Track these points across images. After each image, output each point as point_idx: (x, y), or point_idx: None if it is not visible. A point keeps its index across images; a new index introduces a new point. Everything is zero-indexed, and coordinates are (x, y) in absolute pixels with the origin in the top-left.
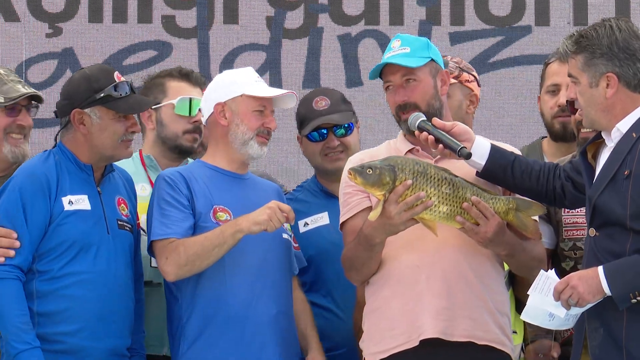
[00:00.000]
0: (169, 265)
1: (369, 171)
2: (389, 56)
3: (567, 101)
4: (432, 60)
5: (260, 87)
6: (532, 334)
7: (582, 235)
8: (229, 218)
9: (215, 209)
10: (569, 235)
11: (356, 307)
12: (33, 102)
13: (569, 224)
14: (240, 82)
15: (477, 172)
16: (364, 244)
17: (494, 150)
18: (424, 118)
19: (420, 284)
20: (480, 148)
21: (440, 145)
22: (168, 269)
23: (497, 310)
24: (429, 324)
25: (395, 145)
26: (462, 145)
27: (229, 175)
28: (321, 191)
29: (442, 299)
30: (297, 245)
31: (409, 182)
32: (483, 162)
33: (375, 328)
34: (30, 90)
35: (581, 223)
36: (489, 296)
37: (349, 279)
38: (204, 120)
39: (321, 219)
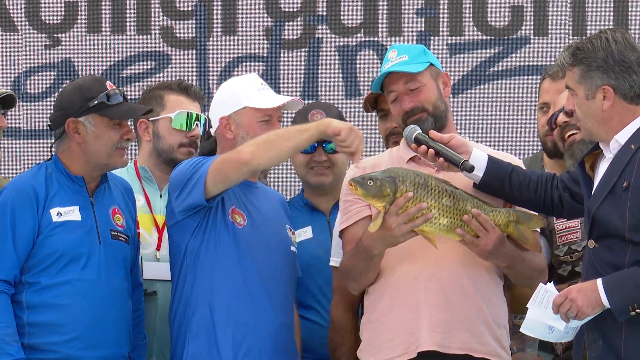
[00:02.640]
0: (247, 146)
1: (370, 182)
2: (388, 66)
3: (551, 116)
4: (431, 64)
5: (264, 97)
6: (514, 346)
7: (576, 238)
8: (242, 222)
9: (234, 209)
10: (563, 240)
11: (331, 328)
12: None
13: (562, 229)
14: (243, 93)
15: (474, 184)
16: (363, 254)
17: (491, 162)
18: (420, 130)
19: (419, 295)
20: (478, 160)
21: (441, 159)
22: (246, 149)
23: (495, 322)
24: (426, 336)
25: (397, 153)
26: (464, 159)
27: (242, 182)
28: (305, 205)
29: (440, 311)
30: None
31: (410, 194)
32: (480, 174)
33: (373, 338)
34: (7, 91)
35: (574, 227)
36: (487, 308)
37: (347, 287)
38: (212, 131)
39: (304, 233)
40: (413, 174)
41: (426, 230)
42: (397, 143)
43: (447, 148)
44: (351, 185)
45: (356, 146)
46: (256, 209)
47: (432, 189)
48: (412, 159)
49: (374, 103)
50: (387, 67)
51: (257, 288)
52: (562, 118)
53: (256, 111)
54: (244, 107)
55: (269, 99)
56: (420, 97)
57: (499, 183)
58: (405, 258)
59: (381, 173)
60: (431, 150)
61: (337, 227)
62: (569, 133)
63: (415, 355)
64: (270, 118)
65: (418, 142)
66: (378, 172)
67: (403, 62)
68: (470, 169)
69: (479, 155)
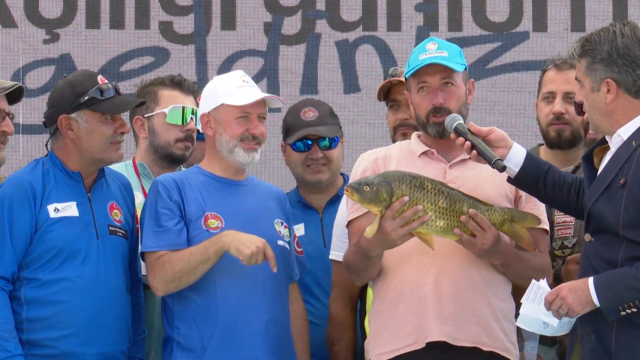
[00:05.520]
0: (156, 282)
1: (366, 188)
2: (425, 57)
3: (574, 102)
4: (465, 68)
5: (242, 94)
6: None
7: (569, 234)
8: (220, 225)
9: (207, 216)
10: (559, 234)
11: (329, 322)
12: (11, 113)
13: (559, 223)
14: (221, 91)
15: (508, 178)
16: (362, 255)
17: (529, 158)
18: (461, 121)
19: (428, 286)
20: (516, 155)
21: (475, 152)
22: (156, 285)
23: (503, 316)
24: (435, 327)
25: (408, 147)
26: (498, 157)
27: (224, 182)
28: (298, 202)
29: (450, 303)
30: (300, 249)
31: (406, 198)
32: (516, 170)
33: (382, 329)
34: (16, 83)
35: (569, 222)
36: (496, 303)
37: (350, 279)
38: (200, 129)
39: (297, 230)
40: (409, 176)
41: (422, 232)
42: (405, 134)
43: (483, 143)
44: (347, 191)
45: (262, 258)
46: (236, 208)
47: (428, 191)
48: (424, 154)
49: (387, 93)
50: (426, 56)
51: (240, 286)
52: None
53: (233, 108)
54: (222, 104)
55: (245, 95)
56: (451, 98)
57: (533, 180)
58: (416, 251)
59: (377, 177)
60: (467, 143)
61: (337, 221)
62: (591, 131)
63: (423, 345)
64: (248, 115)
65: (457, 132)
66: (374, 176)
67: (443, 58)
68: (502, 168)
69: (517, 151)
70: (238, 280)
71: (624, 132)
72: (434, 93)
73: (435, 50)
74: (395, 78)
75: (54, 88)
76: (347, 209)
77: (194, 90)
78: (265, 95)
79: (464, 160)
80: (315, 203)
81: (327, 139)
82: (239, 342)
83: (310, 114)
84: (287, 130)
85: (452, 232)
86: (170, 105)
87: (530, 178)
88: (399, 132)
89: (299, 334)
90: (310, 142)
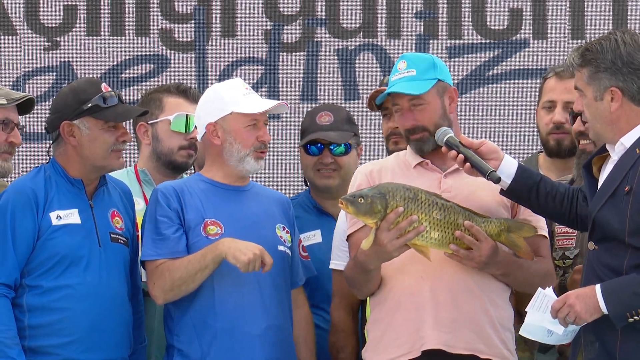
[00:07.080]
0: (156, 290)
1: (361, 200)
2: (394, 79)
3: (570, 111)
4: (439, 80)
5: (250, 102)
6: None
7: (571, 244)
8: (219, 231)
9: (207, 223)
10: (560, 244)
11: (332, 330)
12: (21, 124)
13: (560, 233)
14: (229, 98)
15: (501, 190)
16: (360, 269)
17: (521, 170)
18: (452, 134)
19: (424, 294)
20: (508, 167)
21: (468, 164)
22: (155, 293)
23: (500, 324)
24: (431, 335)
25: (404, 158)
26: (492, 169)
27: (225, 188)
28: (314, 207)
29: (446, 311)
30: (306, 254)
31: (400, 209)
32: (509, 181)
33: (379, 338)
34: (29, 94)
35: (571, 232)
36: (492, 310)
37: (353, 292)
38: (199, 137)
39: (314, 237)
40: (402, 188)
41: (418, 244)
42: (397, 143)
43: (476, 155)
44: (342, 204)
45: (260, 264)
46: (236, 214)
47: (422, 202)
48: (419, 164)
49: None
50: (396, 77)
51: (238, 293)
52: (578, 126)
53: (243, 116)
54: (231, 113)
55: (255, 103)
56: (423, 116)
57: (526, 192)
58: (412, 259)
59: (371, 189)
60: (460, 156)
61: (336, 230)
62: (582, 141)
63: (419, 354)
64: (256, 122)
65: (449, 145)
66: (368, 188)
67: (410, 78)
68: (497, 180)
69: (509, 162)
70: (236, 287)
71: (627, 140)
72: (405, 116)
73: (404, 69)
74: (383, 87)
75: (57, 94)
76: (346, 221)
77: (199, 98)
78: (276, 102)
79: (458, 170)
80: (331, 210)
81: (342, 145)
82: (237, 349)
83: (325, 119)
84: (302, 133)
85: (448, 247)
86: (175, 113)
87: (523, 189)
88: (391, 140)
89: (304, 339)
90: (322, 146)
